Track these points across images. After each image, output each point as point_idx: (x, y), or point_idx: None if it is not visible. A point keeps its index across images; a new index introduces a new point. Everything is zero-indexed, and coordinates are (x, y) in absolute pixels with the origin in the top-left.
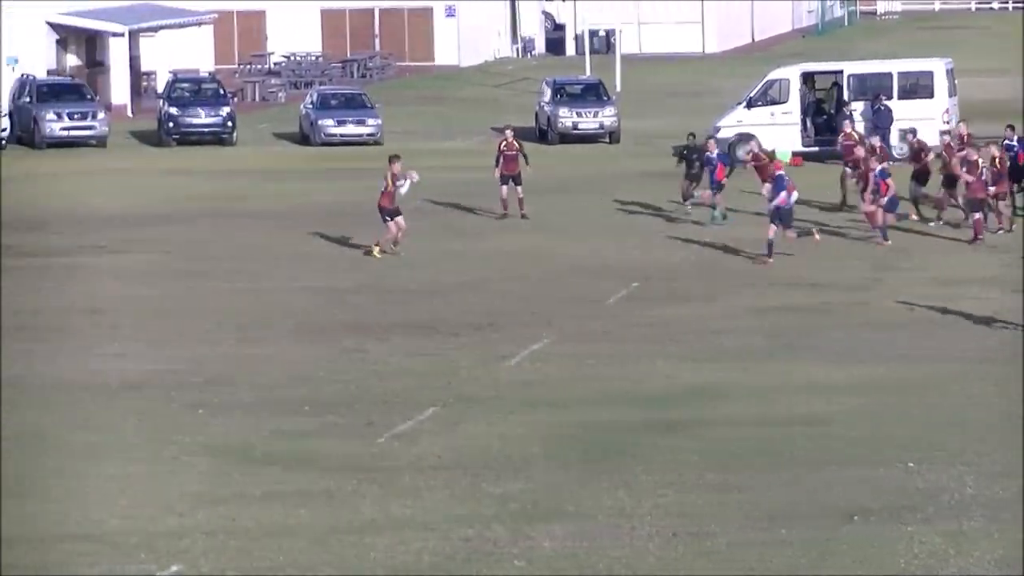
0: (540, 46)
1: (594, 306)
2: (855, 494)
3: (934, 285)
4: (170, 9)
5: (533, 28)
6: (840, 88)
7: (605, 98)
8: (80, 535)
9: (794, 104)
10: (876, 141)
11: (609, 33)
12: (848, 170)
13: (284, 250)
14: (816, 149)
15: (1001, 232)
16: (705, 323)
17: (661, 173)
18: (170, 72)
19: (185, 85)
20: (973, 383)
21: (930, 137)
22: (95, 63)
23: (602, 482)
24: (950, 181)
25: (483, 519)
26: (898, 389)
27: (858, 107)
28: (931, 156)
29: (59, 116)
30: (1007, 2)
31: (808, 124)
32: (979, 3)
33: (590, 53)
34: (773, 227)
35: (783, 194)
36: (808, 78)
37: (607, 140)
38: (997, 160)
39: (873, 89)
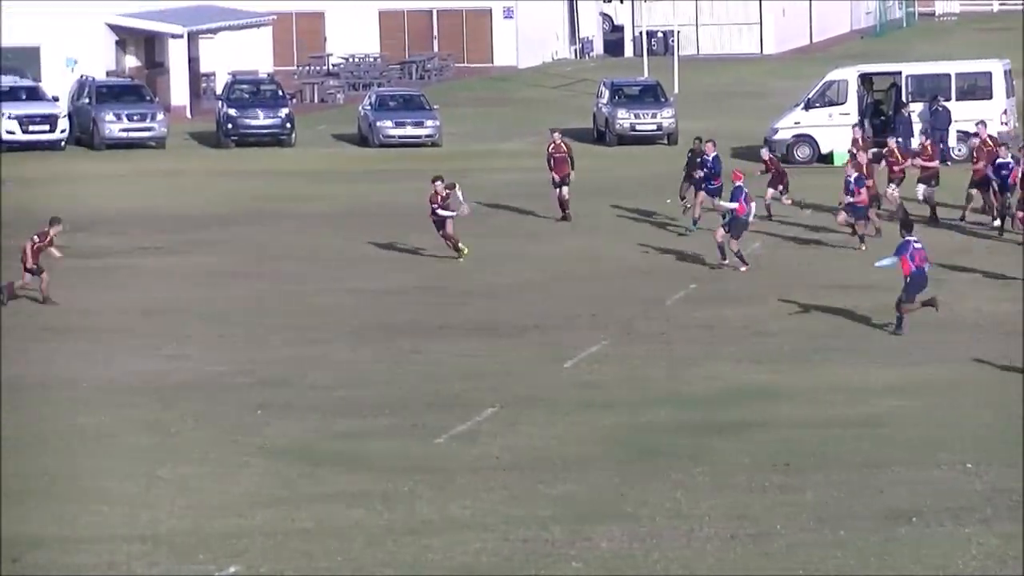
0: (598, 47)
1: (652, 307)
2: (912, 495)
3: (991, 287)
4: (229, 10)
5: (591, 29)
6: (898, 89)
7: (663, 99)
8: (139, 536)
9: (852, 105)
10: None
11: (667, 34)
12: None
13: (342, 251)
14: (874, 150)
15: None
16: (760, 324)
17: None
18: (229, 73)
19: (244, 86)
20: None
21: None
22: (154, 64)
23: (660, 483)
24: (983, 183)
25: (541, 520)
26: (951, 390)
27: (916, 108)
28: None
29: (118, 117)
30: None
31: (866, 125)
32: None
33: (648, 54)
34: (721, 231)
35: (742, 203)
36: (866, 79)
37: (665, 141)
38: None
39: (931, 90)
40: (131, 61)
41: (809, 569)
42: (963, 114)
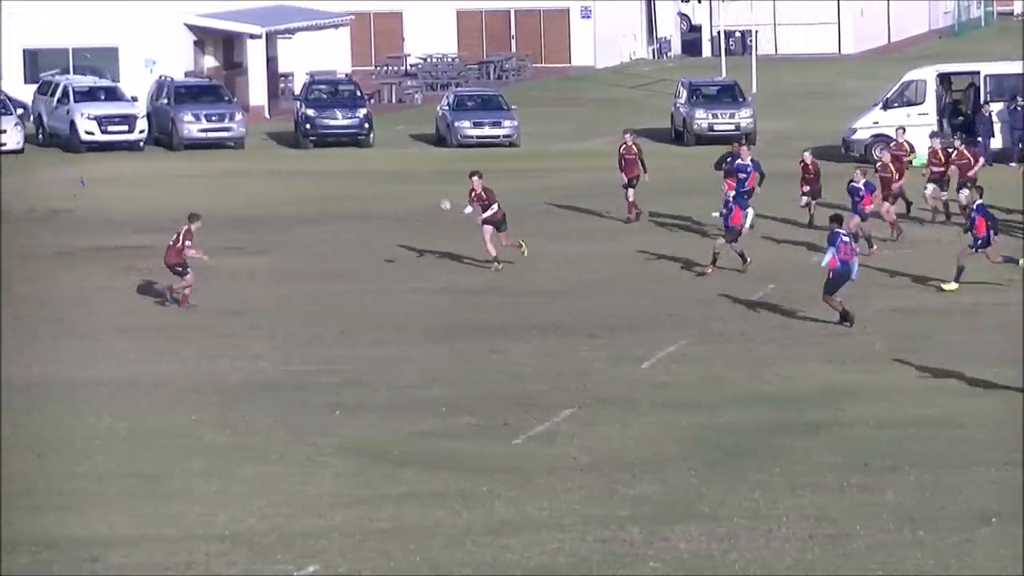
0: (676, 47)
1: (729, 307)
2: (992, 496)
3: None
4: (307, 11)
5: (669, 29)
6: (977, 89)
7: (741, 99)
8: (218, 535)
9: (930, 105)
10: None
11: (745, 34)
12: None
13: (420, 251)
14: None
15: None
16: (838, 325)
17: (795, 174)
18: (307, 74)
19: (322, 87)
20: None
21: None
22: (233, 65)
23: (737, 483)
24: None
25: (618, 520)
26: None
27: (995, 108)
28: None
29: (197, 118)
30: None
31: (944, 125)
32: None
33: (726, 54)
34: (721, 240)
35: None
36: (945, 79)
37: (743, 141)
38: None
39: (1010, 90)
40: (209, 61)
41: (888, 570)
42: None
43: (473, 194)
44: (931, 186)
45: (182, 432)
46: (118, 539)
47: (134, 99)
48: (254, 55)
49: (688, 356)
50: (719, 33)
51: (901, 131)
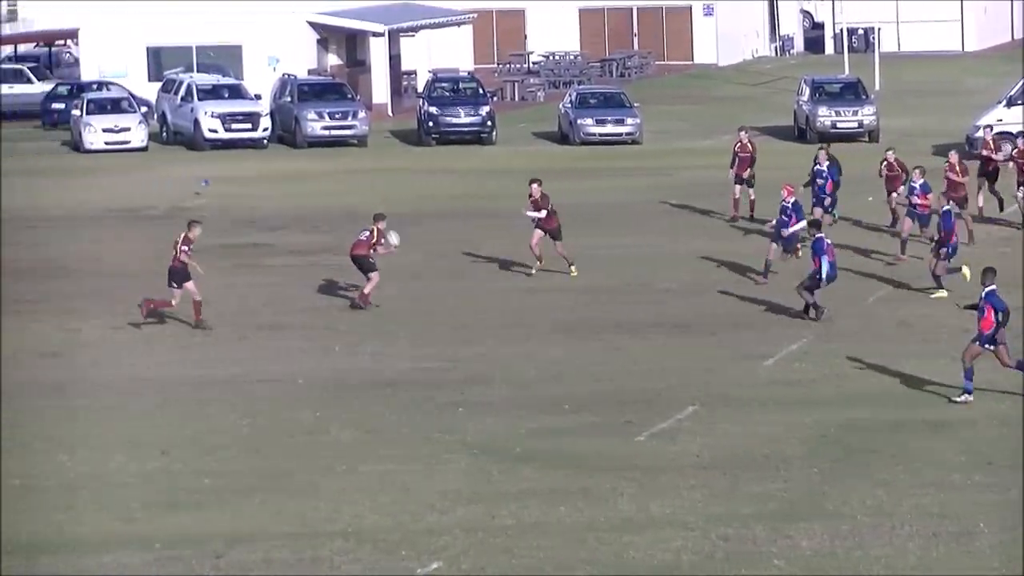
0: (798, 45)
1: (852, 305)
2: None
3: None
4: (430, 9)
5: (791, 27)
6: None
7: (864, 96)
8: (341, 532)
9: None
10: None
11: (868, 31)
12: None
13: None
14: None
15: None
16: (959, 321)
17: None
18: (430, 71)
19: (445, 84)
20: None
21: None
22: (356, 62)
23: (860, 481)
24: None
25: (741, 518)
26: None
27: None
28: None
29: (320, 115)
30: None
31: None
32: None
33: (849, 51)
34: (774, 246)
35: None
36: None
37: (866, 139)
38: None
39: None
40: (333, 59)
41: (1012, 569)
42: None
43: (531, 200)
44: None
45: (306, 429)
46: (242, 536)
47: (257, 97)
48: (377, 53)
49: (810, 354)
50: (842, 30)
51: (989, 130)
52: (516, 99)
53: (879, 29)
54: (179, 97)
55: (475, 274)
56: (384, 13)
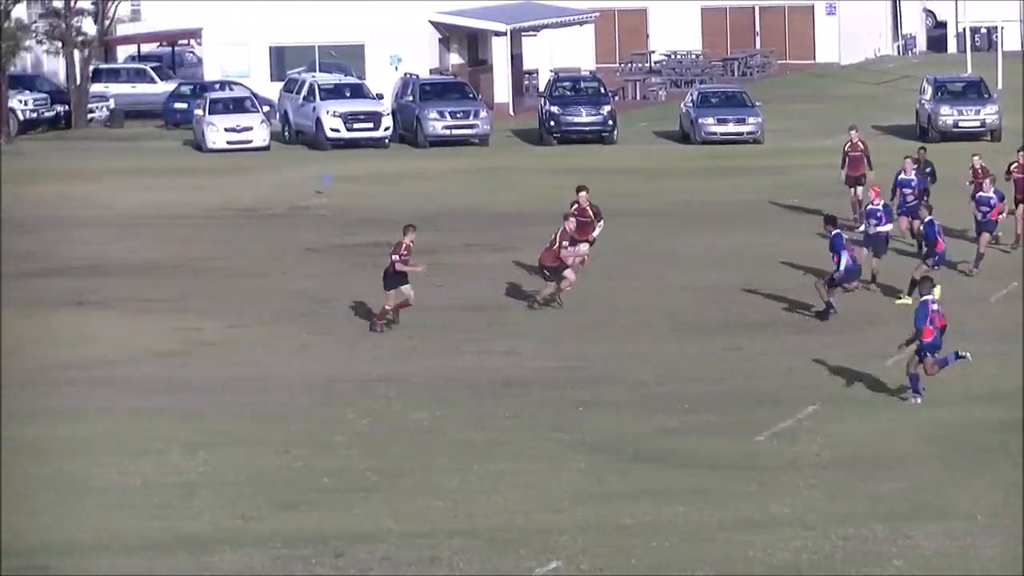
0: (921, 44)
1: (975, 305)
2: None
3: None
4: (552, 8)
5: (914, 26)
6: None
7: (986, 95)
8: (460, 531)
9: None
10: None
11: (991, 30)
12: None
13: (661, 248)
14: None
15: None
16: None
17: None
18: (551, 71)
19: (566, 84)
20: None
21: None
22: (477, 62)
23: (982, 481)
24: None
25: (861, 518)
26: None
27: None
28: None
29: (441, 115)
30: None
31: None
32: None
33: (972, 50)
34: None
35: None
36: None
37: (988, 138)
38: None
39: None
40: (454, 59)
41: None
42: None
43: (577, 208)
44: None
45: (425, 428)
46: (362, 535)
47: (379, 96)
48: (499, 52)
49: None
50: (965, 29)
51: None
52: (637, 98)
53: (1002, 28)
54: (301, 97)
55: (596, 274)
56: (506, 12)
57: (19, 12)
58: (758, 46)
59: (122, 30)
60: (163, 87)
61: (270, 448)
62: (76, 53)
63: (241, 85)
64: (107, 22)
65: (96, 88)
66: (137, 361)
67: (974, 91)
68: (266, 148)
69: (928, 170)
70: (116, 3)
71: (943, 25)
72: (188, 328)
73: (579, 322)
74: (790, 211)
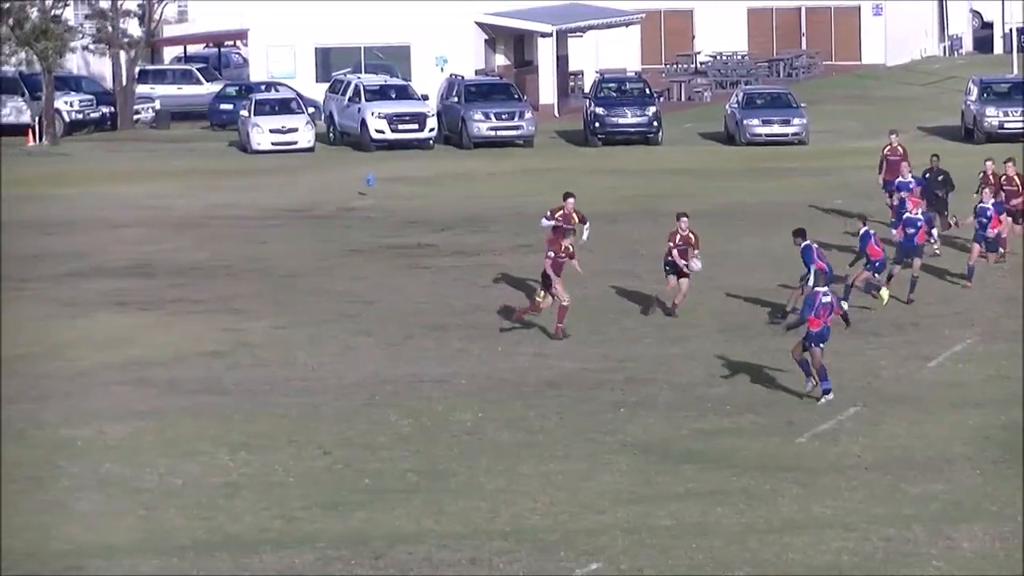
0: (967, 44)
1: (1017, 305)
2: None
3: None
4: (598, 9)
5: (961, 26)
6: None
7: None
8: (500, 532)
9: None
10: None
11: None
12: None
13: (707, 249)
14: None
15: None
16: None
17: None
18: (597, 72)
19: (611, 85)
20: None
21: None
22: (523, 63)
23: (1020, 483)
24: None
25: (903, 519)
26: None
27: None
28: None
29: (487, 116)
30: None
31: None
32: None
33: (1018, 51)
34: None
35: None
36: None
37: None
38: None
39: None
40: (500, 60)
41: None
42: None
43: (563, 214)
44: None
45: (467, 429)
46: (403, 535)
47: (424, 97)
48: (544, 53)
49: (975, 355)
50: (1011, 30)
51: None
52: (683, 99)
53: None
54: (346, 98)
55: (639, 274)
56: (552, 13)
57: (66, 14)
58: (804, 47)
59: (168, 31)
60: (209, 88)
61: (313, 449)
62: (122, 54)
63: (286, 86)
64: (153, 23)
65: (142, 89)
66: (182, 362)
67: (1020, 92)
68: (311, 149)
69: (941, 178)
70: (163, 4)
71: (989, 26)
72: (233, 329)
73: (616, 322)
74: (833, 213)
